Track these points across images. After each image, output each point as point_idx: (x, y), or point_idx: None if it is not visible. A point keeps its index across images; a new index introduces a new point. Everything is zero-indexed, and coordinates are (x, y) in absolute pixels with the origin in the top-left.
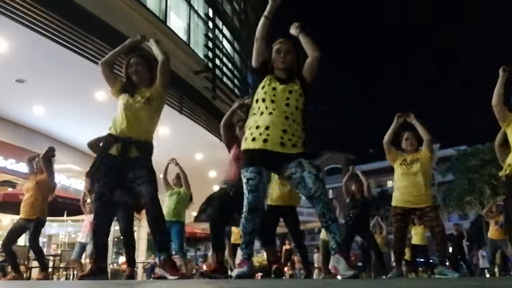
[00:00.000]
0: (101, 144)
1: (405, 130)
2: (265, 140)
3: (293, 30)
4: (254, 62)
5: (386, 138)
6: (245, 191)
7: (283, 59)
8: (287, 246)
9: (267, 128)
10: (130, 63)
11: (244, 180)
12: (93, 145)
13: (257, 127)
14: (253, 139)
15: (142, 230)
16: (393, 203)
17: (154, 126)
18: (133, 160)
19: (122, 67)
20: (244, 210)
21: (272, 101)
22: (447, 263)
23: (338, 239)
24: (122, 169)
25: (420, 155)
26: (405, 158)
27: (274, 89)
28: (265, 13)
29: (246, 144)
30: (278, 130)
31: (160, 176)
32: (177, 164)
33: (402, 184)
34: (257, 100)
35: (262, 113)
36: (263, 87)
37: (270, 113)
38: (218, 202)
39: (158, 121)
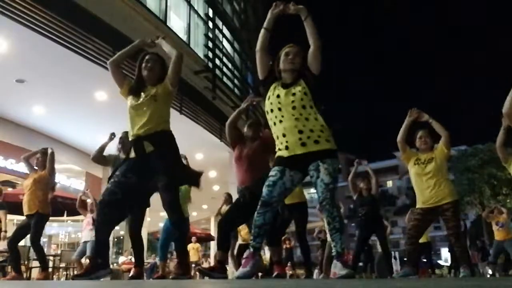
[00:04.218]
0: (104, 152)
1: (417, 128)
2: (286, 147)
3: (300, 12)
4: (260, 74)
5: (400, 136)
6: (264, 187)
7: (291, 60)
8: (287, 246)
9: (284, 135)
10: (146, 58)
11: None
12: (96, 157)
13: (278, 137)
14: (279, 149)
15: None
16: (417, 205)
17: (163, 120)
18: (151, 156)
19: (132, 67)
20: (258, 204)
21: (279, 109)
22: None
23: (339, 248)
24: (142, 170)
25: (435, 153)
26: (419, 157)
27: (278, 96)
28: (264, 25)
29: (277, 154)
30: (294, 133)
31: None
32: (185, 158)
33: (418, 185)
34: (267, 112)
35: (274, 123)
36: (268, 98)
37: (281, 121)
38: (233, 206)
39: (168, 114)
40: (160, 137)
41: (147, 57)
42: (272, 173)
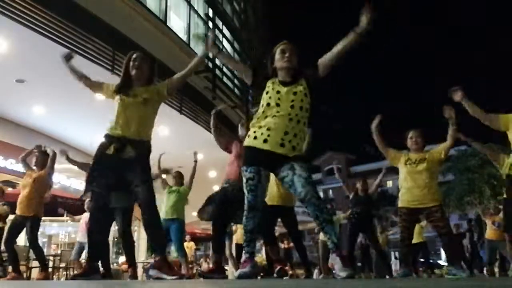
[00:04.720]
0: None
1: (409, 129)
2: (265, 140)
3: (364, 25)
4: (246, 79)
5: (377, 143)
6: (245, 190)
7: (288, 58)
8: (285, 245)
9: (268, 129)
10: (133, 57)
11: (244, 180)
12: (81, 167)
13: (260, 127)
14: (255, 138)
15: (142, 230)
16: (400, 204)
17: (150, 126)
18: (129, 161)
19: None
20: (244, 209)
21: (277, 105)
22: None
23: (334, 239)
24: (119, 169)
25: (428, 155)
26: (409, 157)
27: (278, 92)
28: (212, 54)
29: (248, 141)
30: (280, 131)
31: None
32: (195, 160)
33: (408, 184)
34: (262, 105)
35: (266, 116)
36: (267, 92)
37: (274, 116)
38: (218, 200)
39: (154, 121)
40: (142, 146)
41: (134, 55)
42: (249, 175)
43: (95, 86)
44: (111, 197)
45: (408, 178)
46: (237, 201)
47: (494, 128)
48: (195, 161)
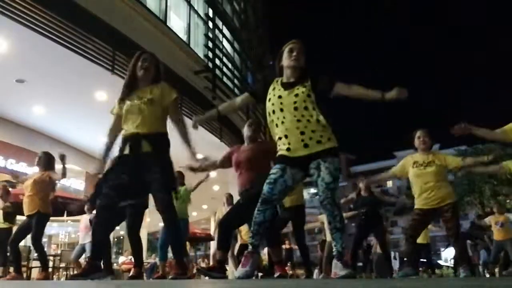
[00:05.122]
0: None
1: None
2: (288, 149)
3: (392, 96)
4: (252, 102)
5: (382, 181)
6: (265, 184)
7: (296, 57)
8: (287, 246)
9: (286, 137)
10: (142, 58)
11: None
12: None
13: (280, 138)
14: (281, 149)
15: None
16: (416, 206)
17: (162, 122)
18: (146, 156)
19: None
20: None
21: (281, 110)
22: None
23: (339, 248)
24: (136, 168)
25: (438, 159)
26: (416, 160)
27: (280, 97)
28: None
29: (278, 153)
30: (296, 135)
31: None
32: (208, 176)
33: (416, 190)
34: (269, 114)
35: (277, 125)
36: (269, 99)
37: (283, 122)
38: (233, 207)
39: (167, 117)
40: (157, 138)
41: (143, 56)
42: (273, 170)
43: (119, 124)
44: (124, 195)
45: (416, 182)
46: (249, 210)
47: (506, 142)
48: (208, 176)
